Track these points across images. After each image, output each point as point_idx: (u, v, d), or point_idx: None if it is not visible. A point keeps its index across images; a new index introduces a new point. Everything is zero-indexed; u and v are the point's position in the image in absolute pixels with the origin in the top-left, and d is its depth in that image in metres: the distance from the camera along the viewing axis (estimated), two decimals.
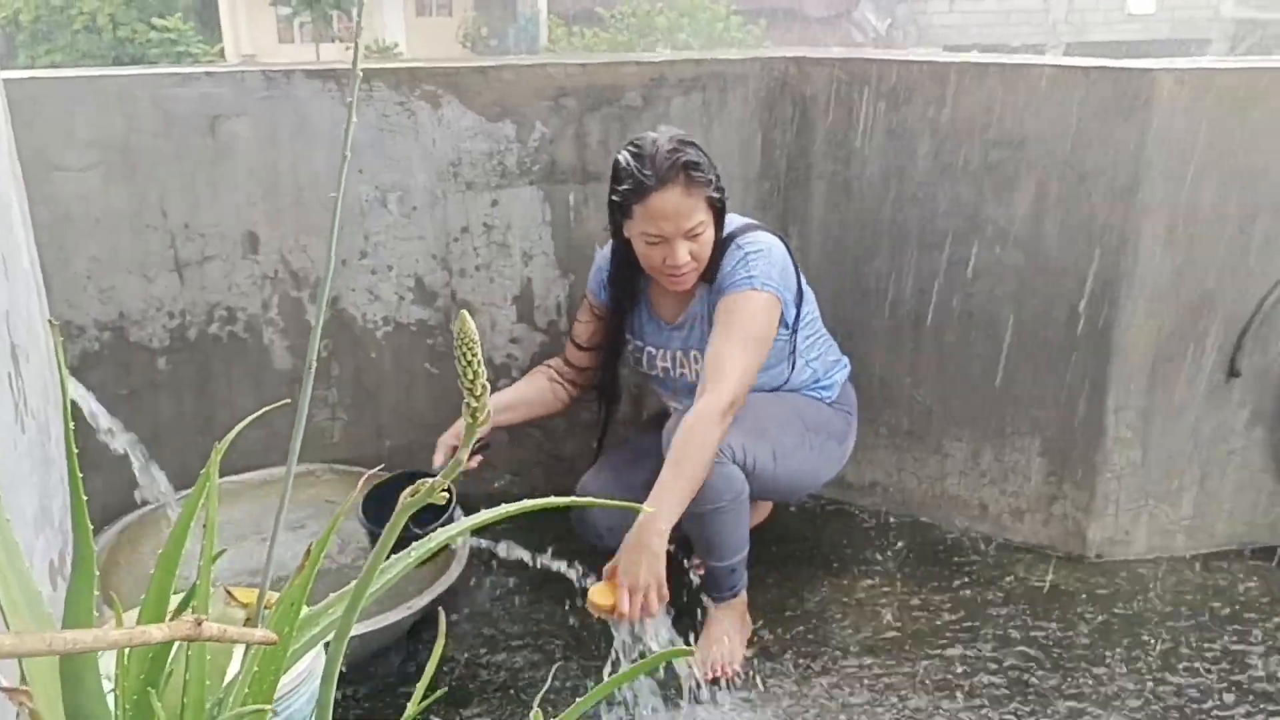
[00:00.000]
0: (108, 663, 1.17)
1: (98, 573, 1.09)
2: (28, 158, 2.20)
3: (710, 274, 2.17)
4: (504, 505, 1.16)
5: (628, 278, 2.27)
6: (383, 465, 2.00)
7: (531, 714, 0.85)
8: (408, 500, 0.77)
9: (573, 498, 1.20)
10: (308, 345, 2.56)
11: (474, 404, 0.73)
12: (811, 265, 2.75)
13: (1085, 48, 18.61)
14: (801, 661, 2.24)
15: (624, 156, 2.10)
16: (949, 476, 2.72)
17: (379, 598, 1.25)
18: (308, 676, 1.58)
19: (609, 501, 1.19)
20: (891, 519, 2.79)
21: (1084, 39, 19.05)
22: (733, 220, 2.22)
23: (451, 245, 2.61)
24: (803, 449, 2.26)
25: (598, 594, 1.98)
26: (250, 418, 1.24)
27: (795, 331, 2.27)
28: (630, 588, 1.92)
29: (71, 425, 1.02)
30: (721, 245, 2.17)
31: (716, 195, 2.12)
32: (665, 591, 1.94)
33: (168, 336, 2.49)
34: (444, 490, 0.79)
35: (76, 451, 1.08)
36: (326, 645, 1.54)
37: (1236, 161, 2.33)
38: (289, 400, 1.53)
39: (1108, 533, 2.56)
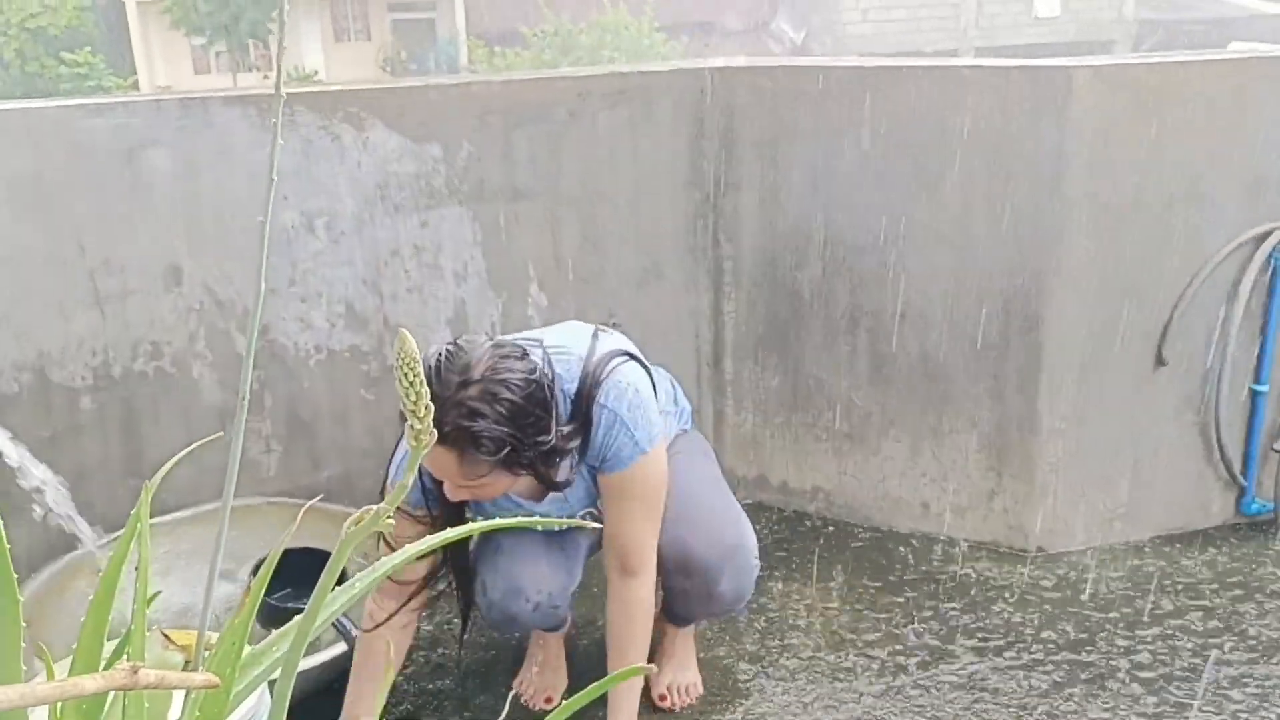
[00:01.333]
0: (39, 717, 1.12)
1: (25, 623, 1.04)
2: None
3: (581, 451, 1.82)
4: (428, 538, 1.14)
5: None
6: (321, 496, 1.96)
7: None
8: (351, 530, 0.74)
9: (493, 521, 1.18)
10: (238, 377, 2.50)
11: (417, 425, 0.70)
12: (745, 273, 2.76)
13: (995, 51, 19.03)
14: (752, 668, 2.24)
15: (424, 364, 1.47)
16: (889, 478, 2.74)
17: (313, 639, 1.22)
18: (253, 717, 1.54)
19: (558, 519, 1.16)
20: (835, 523, 2.80)
21: (994, 43, 19.48)
22: (562, 357, 1.80)
23: (382, 269, 2.56)
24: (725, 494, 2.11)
25: None
26: (181, 453, 1.20)
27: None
28: None
29: None
30: (581, 411, 1.79)
31: (520, 459, 1.70)
32: None
33: (90, 375, 2.41)
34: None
35: None
36: (270, 684, 1.50)
37: (1152, 153, 2.38)
38: (221, 433, 1.49)
39: (1048, 524, 2.60)
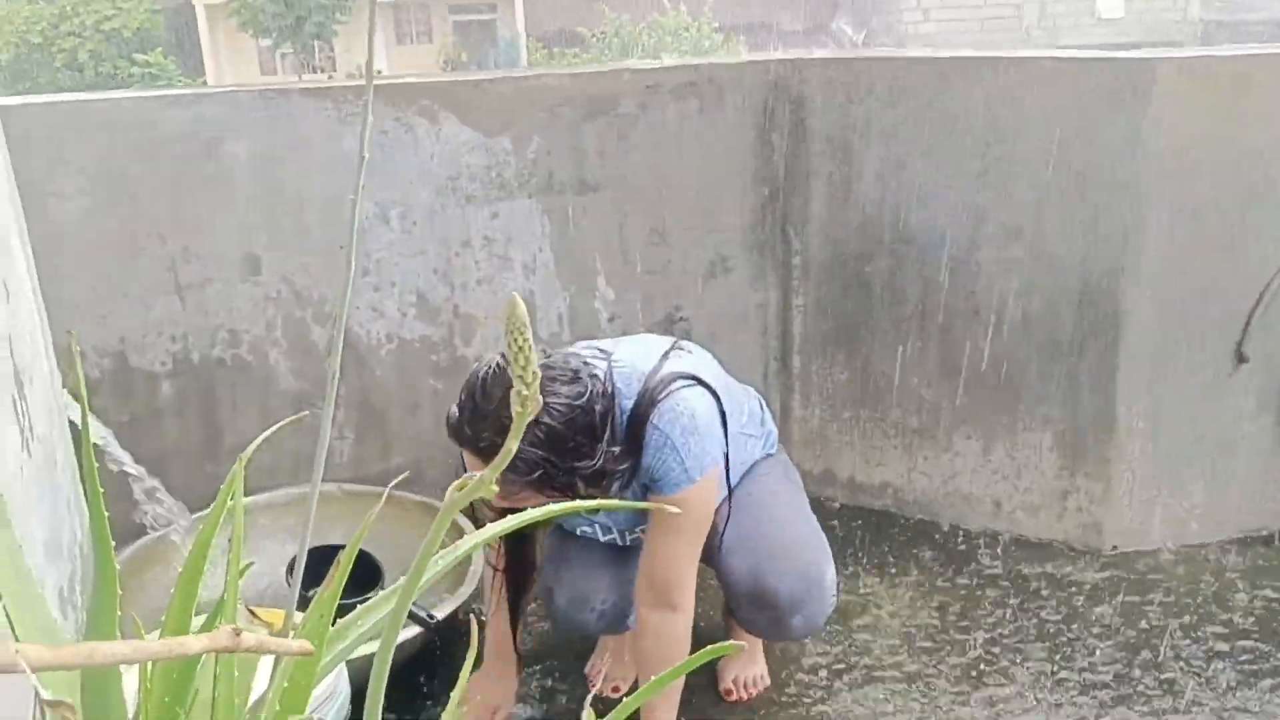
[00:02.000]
0: (129, 686, 1.14)
1: (120, 591, 1.07)
2: (21, 185, 2.18)
3: (631, 470, 1.78)
4: (512, 518, 1.16)
5: None
6: (395, 483, 1.97)
7: (583, 714, 0.83)
8: (455, 495, 0.75)
9: (577, 503, 1.18)
10: (313, 366, 2.55)
11: (525, 391, 0.71)
12: (813, 267, 2.75)
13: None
14: (822, 664, 2.22)
15: (474, 375, 1.68)
16: (960, 475, 2.70)
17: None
18: (332, 694, 1.56)
19: (627, 503, 1.16)
20: (903, 519, 2.77)
21: (1056, 43, 19.22)
22: (626, 371, 1.78)
23: (453, 259, 2.59)
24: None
25: None
26: (271, 429, 1.22)
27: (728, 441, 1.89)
28: None
29: (89, 431, 1.00)
30: (633, 431, 1.76)
31: (553, 482, 1.68)
32: None
33: (170, 361, 2.46)
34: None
35: (89, 468, 1.05)
36: (348, 665, 1.52)
37: (1234, 148, 2.33)
38: (306, 412, 1.51)
39: (1122, 524, 2.55)
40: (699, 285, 2.76)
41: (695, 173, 2.69)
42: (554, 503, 1.68)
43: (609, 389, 1.73)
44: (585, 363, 1.73)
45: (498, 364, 1.66)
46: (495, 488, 0.73)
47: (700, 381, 1.82)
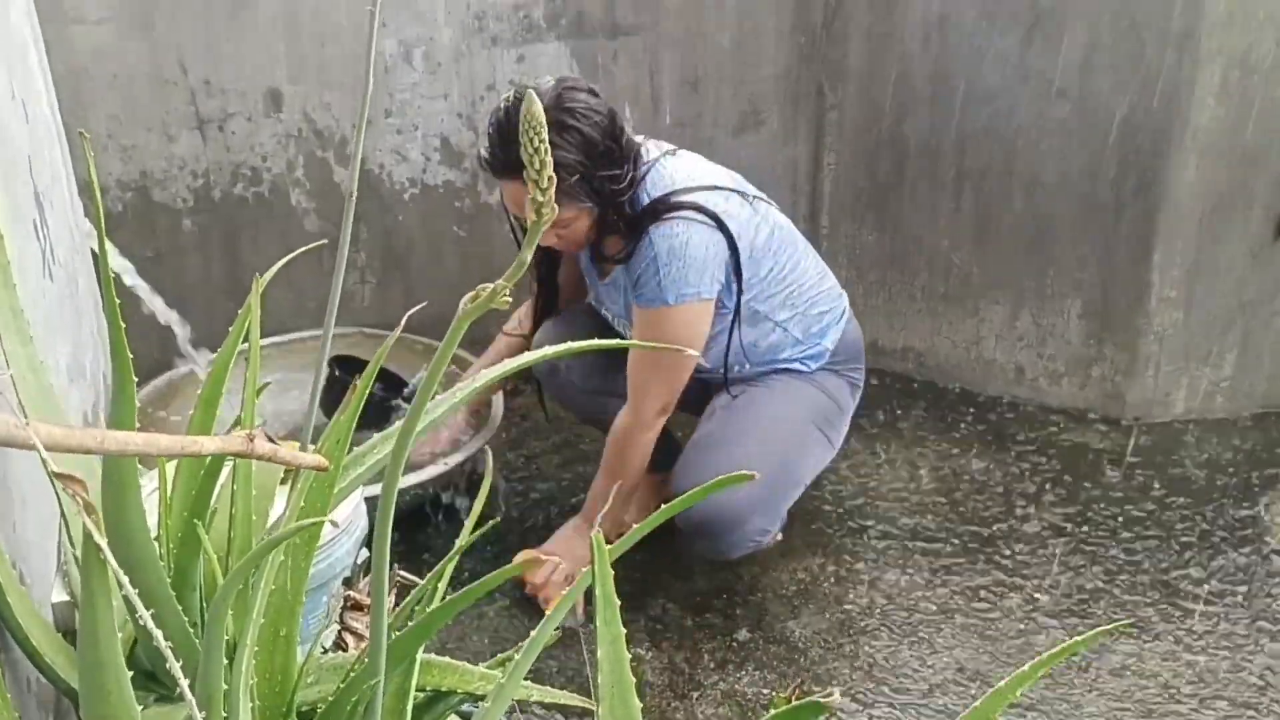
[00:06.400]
0: (150, 506, 1.16)
1: (138, 404, 1.07)
2: (43, 8, 2.12)
3: (625, 253, 1.86)
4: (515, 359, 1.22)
5: None
6: (411, 312, 1.97)
7: (592, 534, 0.83)
8: (469, 306, 0.73)
9: (542, 350, 1.20)
10: (335, 207, 2.52)
11: (539, 197, 0.68)
12: (848, 124, 2.67)
13: None
14: (839, 529, 2.24)
15: (493, 111, 1.77)
16: (985, 340, 2.67)
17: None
18: (347, 526, 1.58)
19: (580, 344, 1.16)
20: (925, 384, 2.75)
21: None
22: (666, 174, 1.84)
23: (478, 103, 2.53)
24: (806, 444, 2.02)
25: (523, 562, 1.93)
26: (292, 255, 1.21)
27: (737, 308, 1.91)
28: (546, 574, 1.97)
29: (106, 245, 0.99)
30: (635, 224, 1.82)
31: (593, 187, 1.76)
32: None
33: (192, 197, 2.44)
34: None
35: (107, 285, 1.05)
36: (368, 501, 1.54)
37: None
38: (325, 240, 1.49)
39: (1147, 394, 2.53)
40: (729, 138, 2.69)
41: (731, 19, 2.59)
42: (580, 237, 1.84)
43: (634, 142, 1.83)
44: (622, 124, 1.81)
45: (514, 93, 1.77)
46: (508, 300, 0.72)
47: (722, 226, 1.81)
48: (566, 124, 1.71)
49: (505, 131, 1.72)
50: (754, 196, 1.93)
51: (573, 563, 1.96)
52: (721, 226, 1.82)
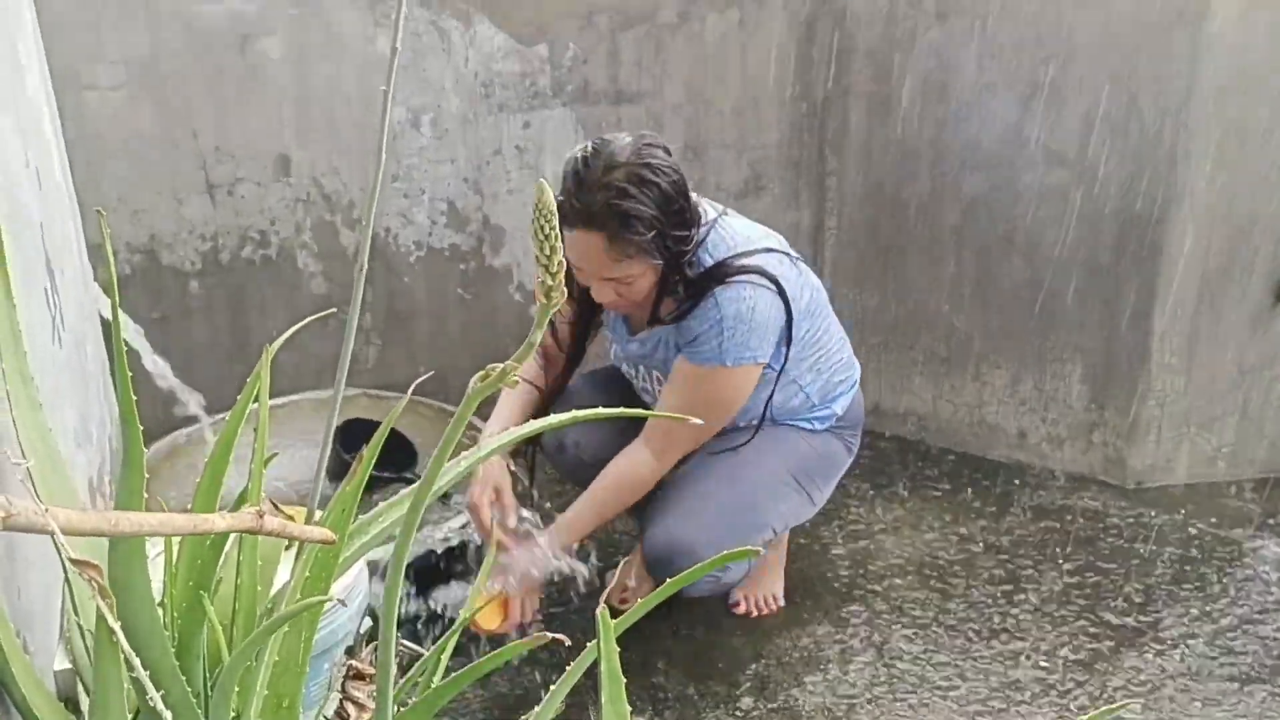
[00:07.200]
0: (155, 575, 1.16)
1: (146, 475, 1.07)
2: (57, 74, 2.16)
3: (679, 313, 1.84)
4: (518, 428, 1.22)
5: None
6: (419, 380, 1.98)
7: (598, 611, 0.84)
8: (478, 385, 0.74)
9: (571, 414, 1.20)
10: (342, 270, 2.54)
11: (549, 282, 0.70)
12: (849, 189, 2.71)
13: None
14: (838, 589, 2.23)
15: (570, 159, 1.75)
16: (987, 404, 2.68)
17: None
18: (352, 590, 1.58)
19: (604, 411, 1.16)
20: (927, 448, 2.76)
21: None
22: (726, 236, 1.83)
23: (484, 168, 2.56)
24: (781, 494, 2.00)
25: (484, 618, 1.88)
26: (301, 324, 1.22)
27: (781, 371, 1.92)
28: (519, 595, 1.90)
29: (119, 313, 1.00)
30: (698, 286, 1.80)
31: (665, 245, 1.73)
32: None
33: (200, 260, 2.47)
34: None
35: (118, 351, 1.06)
36: (370, 565, 1.53)
37: None
38: (334, 309, 1.51)
39: (1148, 460, 2.53)
40: (732, 202, 2.67)
41: (733, 87, 2.64)
42: (641, 296, 1.80)
43: (698, 203, 1.81)
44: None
45: (591, 145, 1.73)
46: (517, 380, 0.72)
47: (783, 294, 1.82)
48: (646, 179, 1.70)
49: (584, 180, 1.70)
50: (795, 257, 1.93)
51: (523, 580, 1.90)
52: (781, 292, 1.82)
